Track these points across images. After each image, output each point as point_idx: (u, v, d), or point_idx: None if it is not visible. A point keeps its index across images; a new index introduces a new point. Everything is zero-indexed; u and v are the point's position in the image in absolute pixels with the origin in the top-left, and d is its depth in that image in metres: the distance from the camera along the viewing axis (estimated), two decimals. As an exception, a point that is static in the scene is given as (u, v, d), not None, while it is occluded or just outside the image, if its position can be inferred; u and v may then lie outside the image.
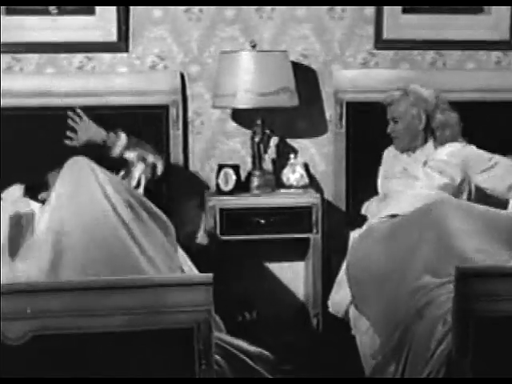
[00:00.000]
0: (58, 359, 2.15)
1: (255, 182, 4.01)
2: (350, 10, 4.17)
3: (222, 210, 3.89)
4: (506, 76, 4.26)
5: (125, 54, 4.09)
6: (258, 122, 4.00)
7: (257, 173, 4.02)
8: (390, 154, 3.96)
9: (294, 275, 4.23)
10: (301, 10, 4.15)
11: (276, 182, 4.07)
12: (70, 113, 3.83)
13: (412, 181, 3.73)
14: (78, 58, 4.07)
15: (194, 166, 4.17)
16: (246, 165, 4.12)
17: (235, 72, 3.88)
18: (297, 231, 3.94)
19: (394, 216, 3.53)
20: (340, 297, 3.59)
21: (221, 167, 4.00)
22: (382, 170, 3.98)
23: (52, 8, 4.00)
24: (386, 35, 4.18)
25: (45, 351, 2.14)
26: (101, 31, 4.03)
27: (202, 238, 4.09)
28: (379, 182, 3.96)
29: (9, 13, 3.96)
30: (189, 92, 4.14)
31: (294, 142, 4.23)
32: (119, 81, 4.04)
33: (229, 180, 3.97)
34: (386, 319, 2.95)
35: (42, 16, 3.99)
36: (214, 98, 4.00)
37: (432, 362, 2.45)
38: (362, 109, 4.11)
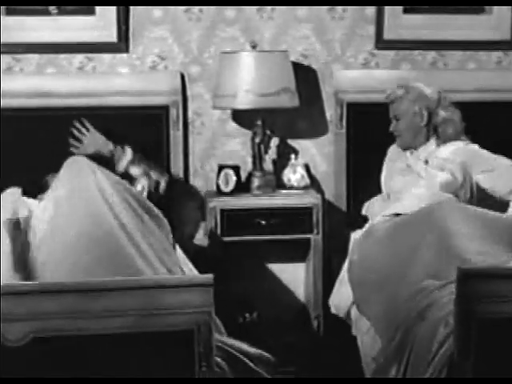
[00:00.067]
0: (59, 361, 2.14)
1: (256, 182, 4.00)
2: (350, 10, 4.16)
3: (222, 211, 3.88)
4: (506, 76, 4.26)
5: (125, 55, 4.08)
6: (259, 122, 3.99)
7: (257, 173, 4.01)
8: (394, 151, 3.95)
9: (294, 276, 4.22)
10: (301, 10, 4.14)
11: (276, 183, 4.05)
12: (77, 124, 3.83)
13: (415, 178, 3.71)
14: (78, 58, 4.06)
15: (194, 166, 4.16)
16: (247, 165, 4.11)
17: (235, 72, 3.87)
18: (297, 232, 3.93)
19: (397, 215, 3.52)
20: (341, 297, 3.58)
21: (221, 168, 3.99)
22: (385, 167, 3.97)
23: (52, 8, 3.99)
24: (386, 35, 4.17)
25: (45, 353, 2.13)
26: (101, 31, 4.02)
27: (202, 239, 4.08)
28: (382, 178, 3.95)
29: (9, 13, 3.95)
30: (189, 92, 4.13)
31: (295, 143, 4.22)
32: (119, 81, 4.03)
33: (229, 181, 3.96)
34: (386, 320, 2.94)
35: (42, 16, 3.98)
36: (215, 98, 3.99)
37: (434, 364, 2.44)
38: (363, 109, 4.10)
